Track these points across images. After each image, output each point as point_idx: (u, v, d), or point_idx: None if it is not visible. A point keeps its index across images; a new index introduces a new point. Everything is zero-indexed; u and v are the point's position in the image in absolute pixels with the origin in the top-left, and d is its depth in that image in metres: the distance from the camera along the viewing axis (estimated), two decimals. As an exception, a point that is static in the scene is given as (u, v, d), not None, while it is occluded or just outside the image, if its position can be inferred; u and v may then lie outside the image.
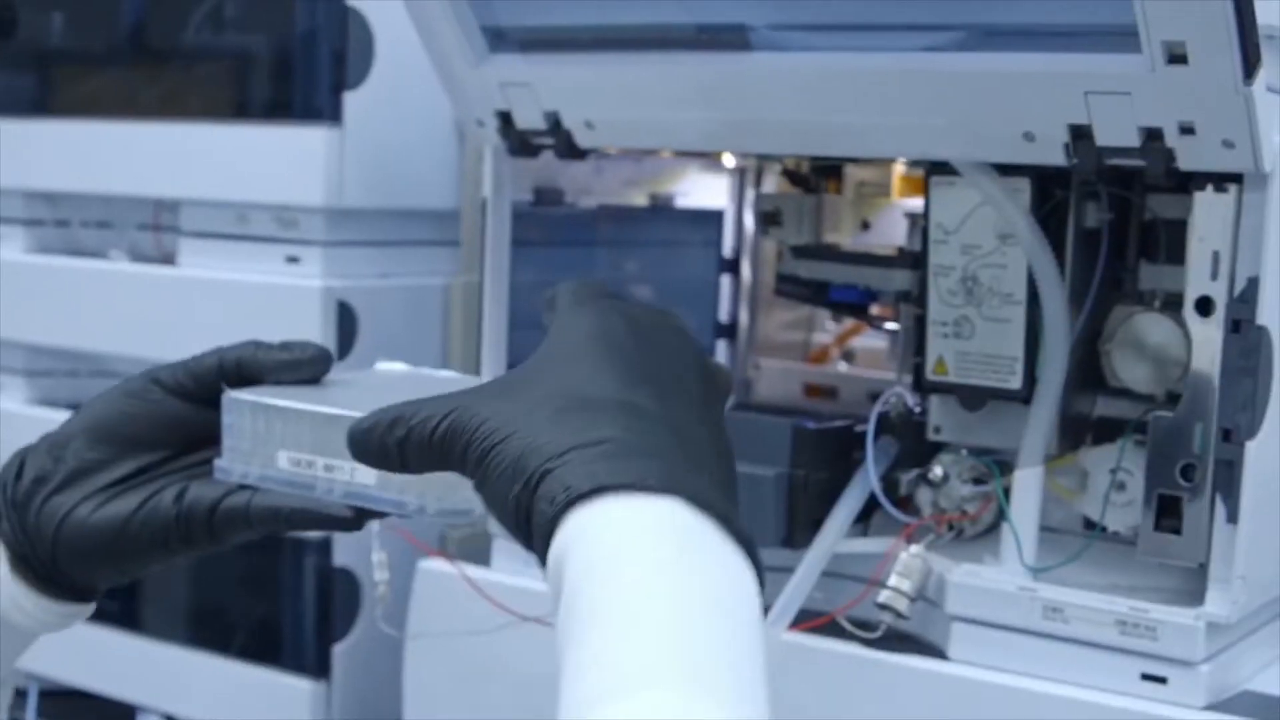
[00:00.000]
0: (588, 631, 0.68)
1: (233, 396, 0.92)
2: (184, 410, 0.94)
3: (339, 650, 1.51)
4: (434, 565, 1.32)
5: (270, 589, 1.53)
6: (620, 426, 0.74)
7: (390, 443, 0.79)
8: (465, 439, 0.77)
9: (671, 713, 0.64)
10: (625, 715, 0.64)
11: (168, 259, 1.61)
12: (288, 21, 1.48)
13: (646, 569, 0.69)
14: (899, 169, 1.44)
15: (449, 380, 1.00)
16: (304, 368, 0.94)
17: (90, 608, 0.95)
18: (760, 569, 0.72)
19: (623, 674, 0.66)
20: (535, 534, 0.73)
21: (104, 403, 0.94)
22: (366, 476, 0.87)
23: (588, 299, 0.85)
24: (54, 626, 0.94)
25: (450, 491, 0.86)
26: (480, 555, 1.33)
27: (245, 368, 0.93)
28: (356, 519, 0.90)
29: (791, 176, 1.48)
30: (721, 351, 1.62)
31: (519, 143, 1.26)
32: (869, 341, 1.59)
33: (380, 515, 0.90)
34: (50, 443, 0.93)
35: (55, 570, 0.92)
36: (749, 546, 0.72)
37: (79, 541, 0.91)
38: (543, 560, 0.73)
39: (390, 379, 1.01)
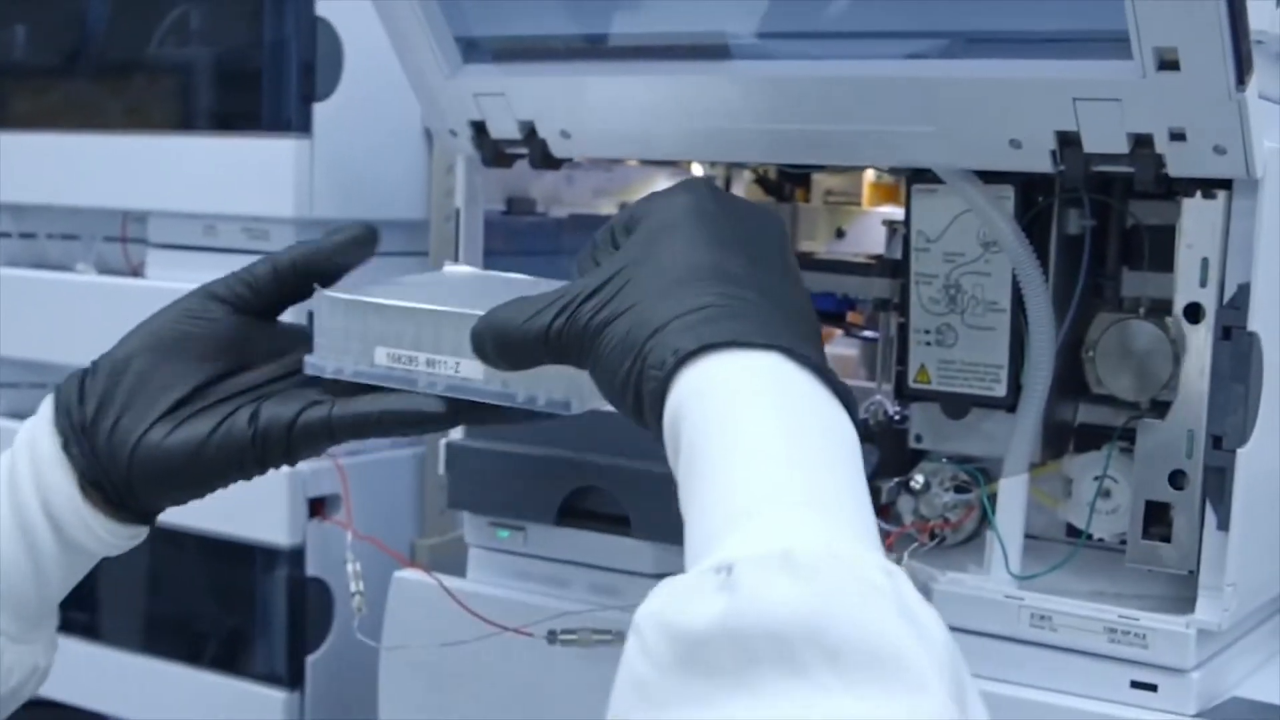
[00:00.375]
0: (712, 475, 0.74)
1: (326, 295, 0.95)
2: (242, 325, 0.97)
3: (312, 661, 1.50)
4: (409, 575, 1.30)
5: (243, 599, 1.52)
6: (717, 293, 0.81)
7: (513, 339, 0.86)
8: (580, 327, 0.84)
9: (800, 528, 0.70)
10: (755, 532, 0.70)
11: (136, 271, 1.60)
12: (256, 32, 1.47)
13: (760, 411, 0.75)
14: (869, 176, 1.44)
15: (523, 282, 1.00)
16: (358, 246, 1.00)
17: (147, 529, 0.99)
18: (855, 416, 0.80)
19: (749, 501, 0.72)
20: (647, 403, 0.80)
21: (162, 322, 0.97)
22: (472, 370, 0.91)
23: (678, 185, 0.92)
24: (118, 549, 0.97)
25: (555, 384, 0.90)
26: (456, 566, 1.32)
27: (300, 265, 0.97)
28: (450, 415, 0.92)
29: (763, 184, 1.48)
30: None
31: (493, 153, 1.26)
32: (837, 350, 1.59)
33: (479, 414, 0.93)
34: (110, 366, 0.96)
35: (128, 494, 0.94)
36: (844, 396, 0.79)
37: (153, 466, 0.93)
38: (658, 430, 0.79)
39: (468, 280, 1.02)
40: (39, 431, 0.95)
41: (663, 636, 0.68)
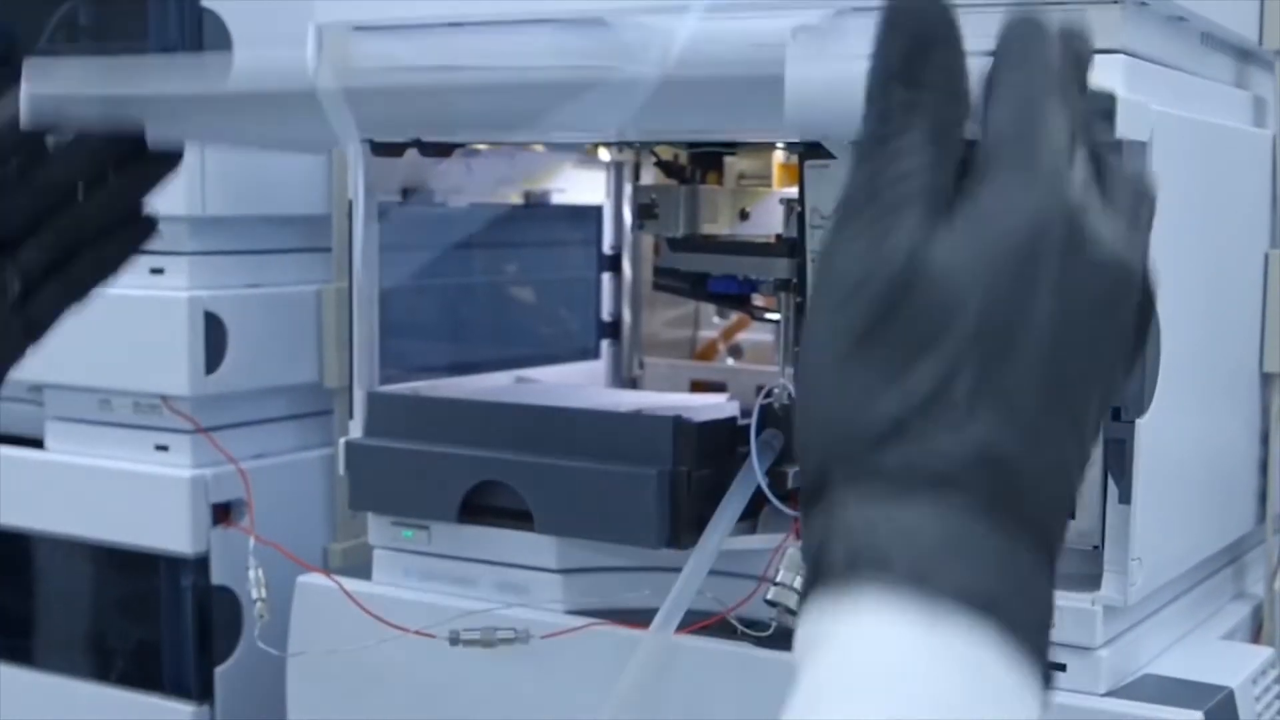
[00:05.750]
0: None
1: None
2: None
3: (221, 672, 1.46)
4: (313, 580, 1.28)
5: (148, 612, 1.48)
6: (906, 385, 0.57)
7: None
8: None
9: None
10: None
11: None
12: (140, 27, 1.43)
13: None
14: (778, 157, 1.41)
15: None
16: None
17: None
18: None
19: None
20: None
21: None
22: None
23: None
24: None
25: None
26: (361, 569, 1.29)
27: None
28: None
29: (667, 168, 1.45)
30: (605, 350, 1.59)
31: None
32: (756, 336, 1.57)
33: None
34: None
35: None
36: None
37: None
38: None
39: None
40: None
41: None
